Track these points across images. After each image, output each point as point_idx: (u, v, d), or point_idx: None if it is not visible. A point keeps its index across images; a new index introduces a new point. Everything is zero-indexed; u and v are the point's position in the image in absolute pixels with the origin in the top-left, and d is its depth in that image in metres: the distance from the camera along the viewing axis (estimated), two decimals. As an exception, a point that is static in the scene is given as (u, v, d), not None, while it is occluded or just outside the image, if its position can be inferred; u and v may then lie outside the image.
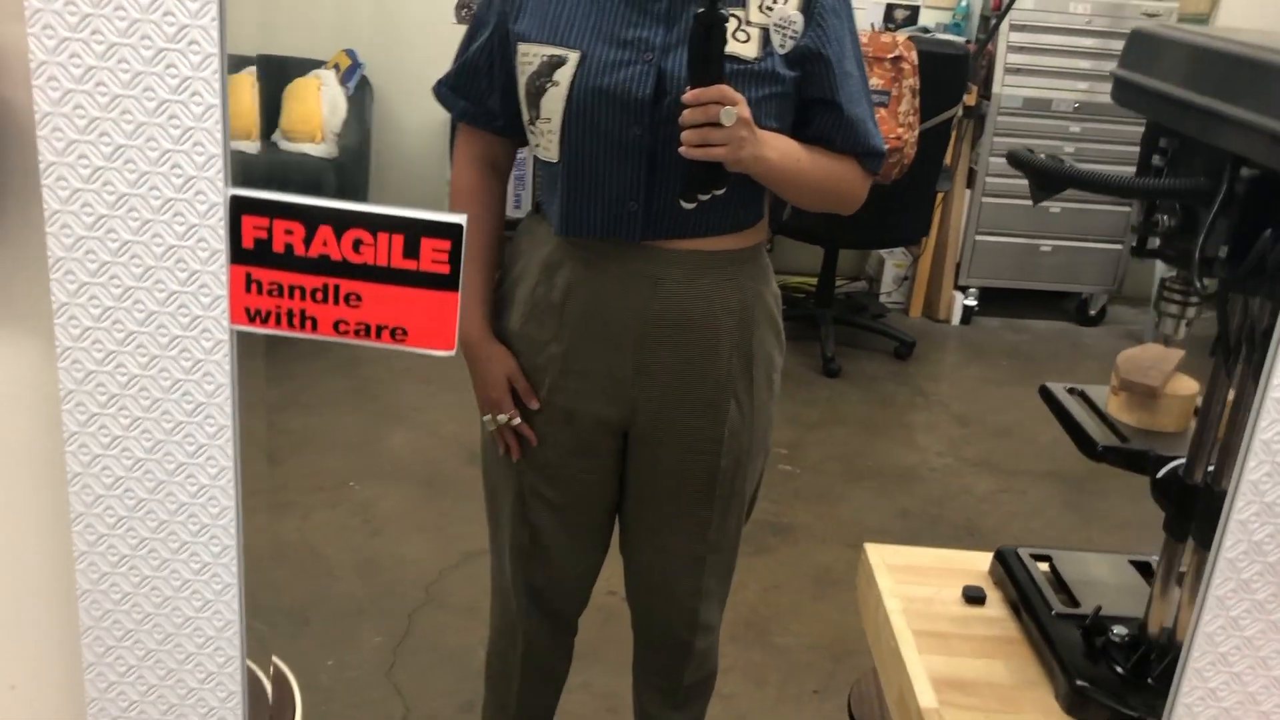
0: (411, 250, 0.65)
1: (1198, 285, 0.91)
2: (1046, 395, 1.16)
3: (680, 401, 1.48)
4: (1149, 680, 1.02)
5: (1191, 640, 0.74)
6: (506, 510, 1.61)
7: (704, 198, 1.34)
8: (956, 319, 4.55)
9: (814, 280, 4.36)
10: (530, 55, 1.37)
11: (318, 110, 3.96)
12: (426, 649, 2.42)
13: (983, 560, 1.25)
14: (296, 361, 3.74)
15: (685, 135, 1.28)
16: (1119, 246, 4.47)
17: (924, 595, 1.18)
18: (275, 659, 1.26)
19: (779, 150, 1.36)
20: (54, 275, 0.65)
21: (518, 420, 1.50)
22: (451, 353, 0.67)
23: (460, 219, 0.64)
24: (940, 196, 4.26)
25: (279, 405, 3.38)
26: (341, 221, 0.64)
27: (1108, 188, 1.06)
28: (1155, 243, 1.04)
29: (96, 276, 0.65)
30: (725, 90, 1.26)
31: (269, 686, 1.31)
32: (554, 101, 1.36)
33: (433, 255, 0.65)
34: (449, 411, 3.47)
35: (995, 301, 4.58)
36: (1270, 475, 0.69)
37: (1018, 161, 1.06)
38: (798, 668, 2.43)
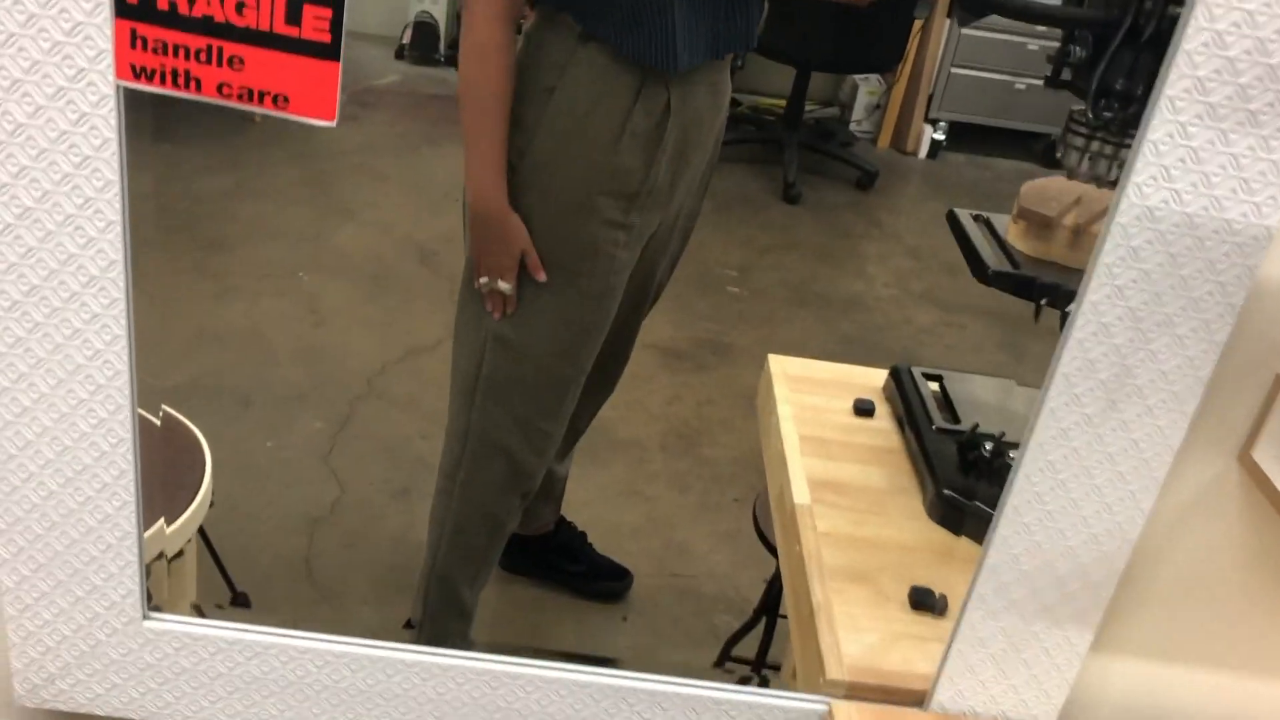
0: (293, 16, 0.65)
1: (1090, 115, 0.93)
2: (952, 219, 1.19)
3: (703, 189, 1.69)
4: (1010, 492, 1.08)
5: (1037, 415, 0.79)
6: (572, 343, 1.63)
7: None
8: (924, 152, 4.54)
9: (783, 102, 4.32)
10: None
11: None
12: (364, 437, 2.49)
13: (879, 376, 1.30)
14: (250, 150, 3.70)
15: None
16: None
17: (816, 404, 1.24)
18: (166, 407, 1.27)
19: None
20: (-63, 17, 0.66)
21: (512, 291, 1.55)
22: (332, 123, 0.69)
23: (342, -11, 0.65)
24: (918, 24, 4.18)
25: (230, 192, 3.37)
26: (224, -18, 0.65)
27: (1026, 14, 1.07)
28: (1068, 74, 1.05)
29: (-20, 21, 0.66)
30: None
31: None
32: None
33: (314, 23, 0.66)
34: (401, 210, 3.46)
35: (964, 137, 4.56)
36: (1123, 259, 0.72)
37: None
38: (720, 477, 2.53)
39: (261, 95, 0.67)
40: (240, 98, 0.68)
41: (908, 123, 4.54)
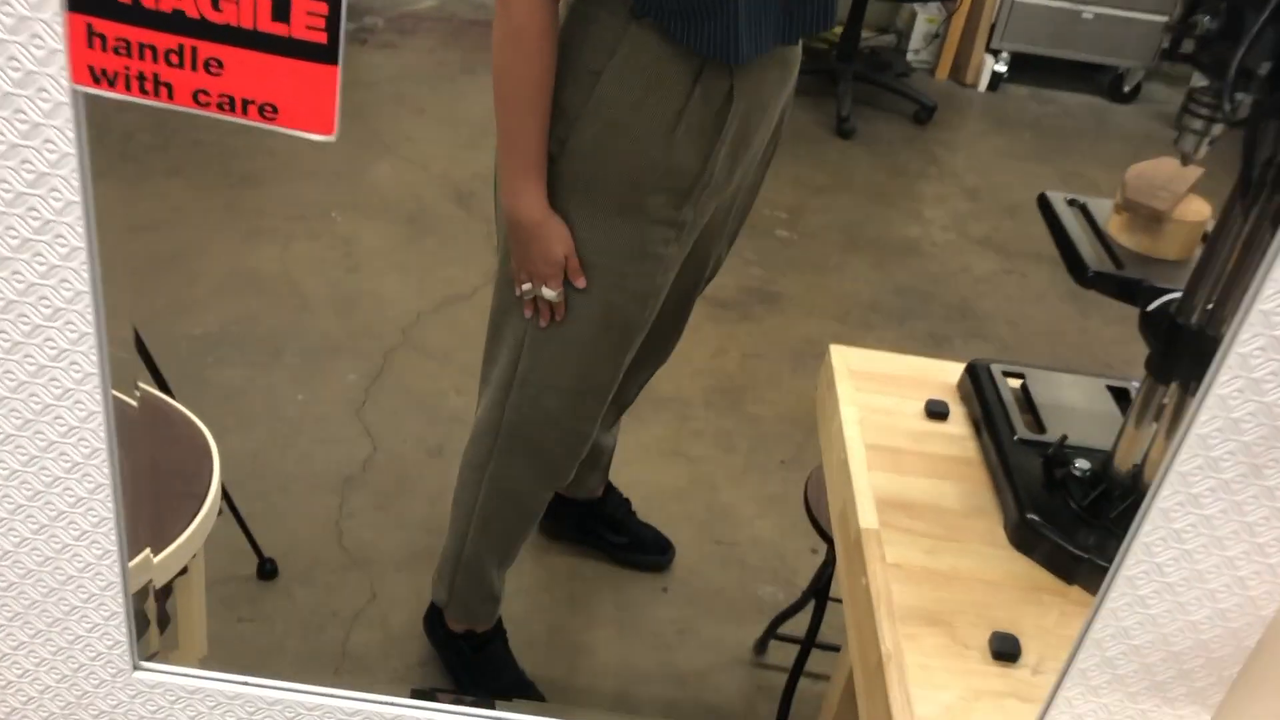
0: (281, 12, 0.54)
1: (1227, 105, 0.80)
2: (1044, 205, 1.06)
3: (765, 165, 1.54)
4: (1104, 520, 0.97)
5: (1163, 478, 0.67)
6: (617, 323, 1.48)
7: None
8: (984, 85, 4.33)
9: (837, 31, 4.12)
10: None
11: None
12: (398, 391, 2.40)
13: (954, 372, 1.18)
14: (286, 79, 3.57)
15: None
16: (1166, 19, 4.19)
17: (884, 406, 1.12)
18: (143, 385, 1.15)
19: None
20: None
21: (559, 298, 1.40)
22: (331, 137, 0.57)
23: (340, -23, 0.53)
24: (983, -51, 3.95)
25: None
26: (196, -31, 0.53)
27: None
28: (1191, 47, 0.91)
29: (-93, 14, 0.55)
30: None
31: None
32: None
33: (307, 20, 0.54)
34: (440, 146, 3.33)
35: (1026, 68, 4.34)
36: (1264, 350, 0.60)
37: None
38: (768, 437, 2.42)
39: (245, 104, 0.56)
40: (221, 107, 0.56)
41: (968, 53, 4.32)
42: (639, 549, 2.08)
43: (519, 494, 1.63)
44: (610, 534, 2.07)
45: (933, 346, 2.79)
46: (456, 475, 1.71)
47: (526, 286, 1.40)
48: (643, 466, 2.29)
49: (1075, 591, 0.95)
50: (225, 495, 1.92)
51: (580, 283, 1.38)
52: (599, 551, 2.08)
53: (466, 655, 1.80)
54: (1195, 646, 0.71)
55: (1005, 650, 0.88)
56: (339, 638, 1.88)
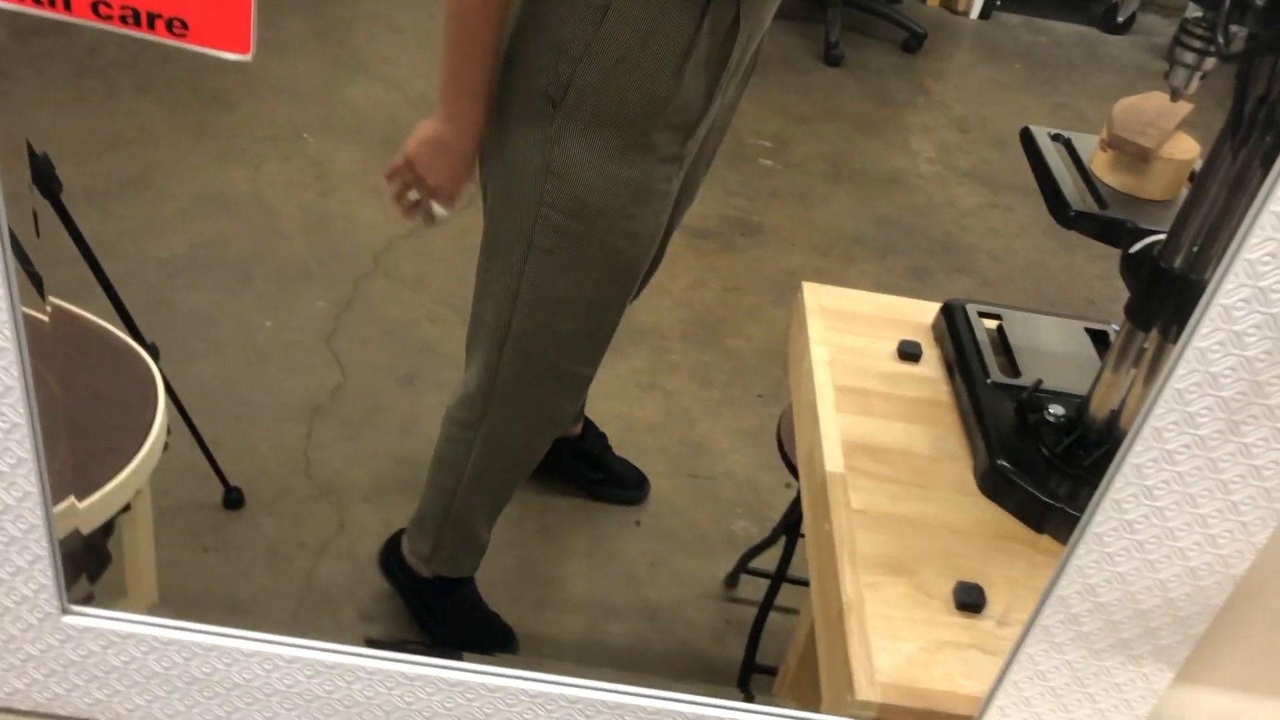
0: (186, -86, 0.49)
1: (1220, 38, 0.75)
2: (1026, 140, 1.02)
3: (745, 80, 1.47)
4: (1078, 468, 0.94)
5: (1136, 433, 0.65)
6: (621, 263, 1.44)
7: None
8: (975, 12, 4.23)
9: (828, -46, 4.01)
10: None
11: None
12: (369, 319, 2.36)
13: (929, 311, 1.15)
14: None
15: None
16: (1164, -52, 4.10)
17: (856, 346, 1.08)
18: (54, 299, 1.07)
19: None
20: None
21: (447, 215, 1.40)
22: (247, 57, 0.53)
23: (250, -124, 0.48)
24: None
25: (235, 42, 3.15)
26: None
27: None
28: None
29: None
30: None
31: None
32: None
33: (214, -76, 0.49)
34: (419, 66, 3.24)
35: (1020, -4, 4.25)
36: (1273, 255, 0.56)
37: None
38: (745, 371, 2.39)
39: (151, 18, 0.51)
40: (124, 20, 0.51)
41: (961, -22, 4.22)
42: (615, 484, 2.06)
43: (517, 448, 1.60)
44: (587, 470, 2.04)
45: (914, 280, 2.75)
46: (426, 407, 1.68)
47: (413, 194, 1.39)
48: (619, 399, 2.26)
49: (1045, 540, 0.92)
50: (189, 422, 1.89)
51: (446, 210, 1.38)
52: (573, 486, 2.06)
53: (433, 598, 1.78)
54: (1163, 604, 0.69)
55: (970, 601, 0.85)
56: (305, 568, 1.86)
